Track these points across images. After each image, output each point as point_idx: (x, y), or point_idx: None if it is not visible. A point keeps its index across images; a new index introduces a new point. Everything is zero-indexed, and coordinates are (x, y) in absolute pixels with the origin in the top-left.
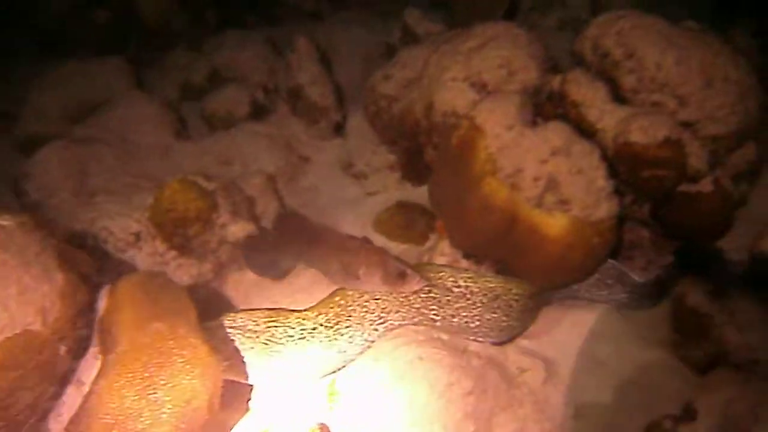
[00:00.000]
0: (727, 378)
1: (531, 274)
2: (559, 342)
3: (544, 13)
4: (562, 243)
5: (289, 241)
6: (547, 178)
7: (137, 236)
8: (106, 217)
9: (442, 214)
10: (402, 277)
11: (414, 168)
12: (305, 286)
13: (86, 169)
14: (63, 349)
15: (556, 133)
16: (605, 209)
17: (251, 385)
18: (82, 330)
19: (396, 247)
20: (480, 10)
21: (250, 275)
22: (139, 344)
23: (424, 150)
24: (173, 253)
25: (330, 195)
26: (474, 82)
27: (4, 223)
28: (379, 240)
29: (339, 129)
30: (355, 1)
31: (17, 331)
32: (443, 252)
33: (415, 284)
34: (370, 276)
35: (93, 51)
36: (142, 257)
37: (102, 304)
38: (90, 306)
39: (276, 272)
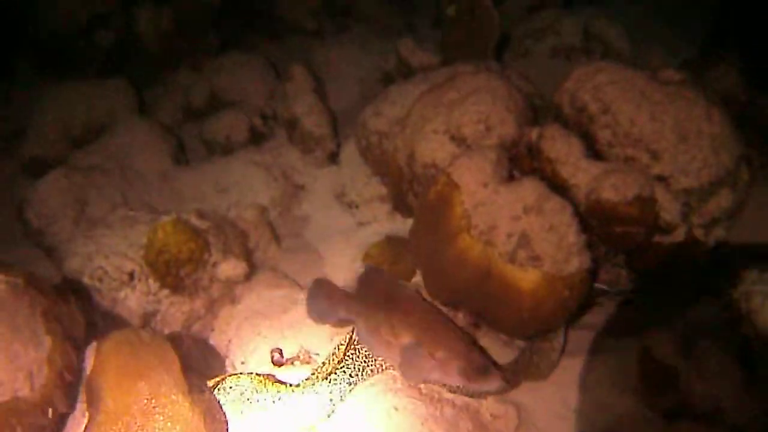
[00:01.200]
0: (692, 428)
1: (504, 324)
2: (532, 388)
3: (537, 40)
4: (534, 297)
5: (362, 295)
6: (520, 234)
7: (131, 275)
8: (101, 255)
9: (419, 262)
10: (483, 373)
11: (403, 201)
12: (294, 323)
13: (86, 198)
14: (50, 411)
15: (529, 190)
16: (576, 264)
17: None
18: (69, 391)
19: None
20: (472, 42)
21: (241, 310)
22: (122, 404)
23: (406, 196)
24: (166, 291)
25: (322, 224)
26: (454, 136)
27: None
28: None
29: (334, 157)
30: (356, 19)
31: (6, 398)
32: None
33: (493, 384)
34: (447, 363)
35: (95, 71)
36: (135, 296)
37: (89, 362)
38: (77, 366)
39: (332, 320)
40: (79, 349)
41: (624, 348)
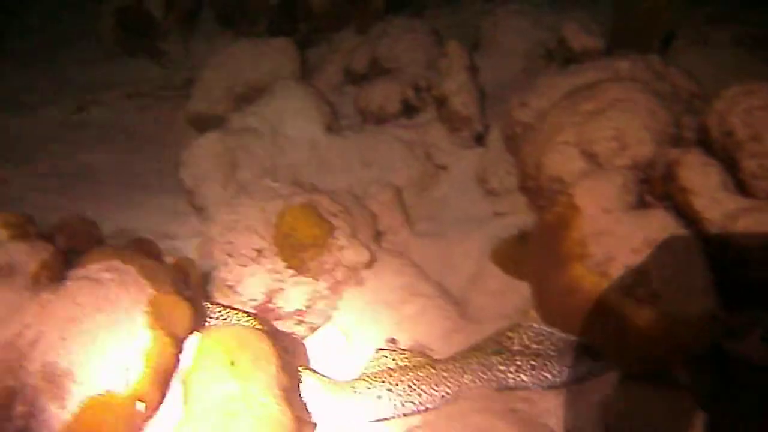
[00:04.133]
0: None
1: (613, 355)
2: None
3: (717, 27)
4: (646, 336)
5: None
6: (639, 268)
7: (259, 252)
8: (235, 229)
9: (531, 282)
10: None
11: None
12: (413, 315)
13: (236, 161)
14: (143, 406)
15: (654, 222)
16: (699, 306)
17: None
18: (163, 386)
19: (510, 282)
20: (639, 29)
21: (365, 293)
22: (211, 404)
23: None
24: (291, 271)
25: (458, 209)
26: (585, 150)
27: (105, 275)
28: (493, 271)
29: (480, 138)
30: None
31: (100, 392)
32: None
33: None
34: None
35: (263, 29)
36: (261, 273)
37: (188, 354)
38: (175, 361)
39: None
40: (180, 342)
41: None
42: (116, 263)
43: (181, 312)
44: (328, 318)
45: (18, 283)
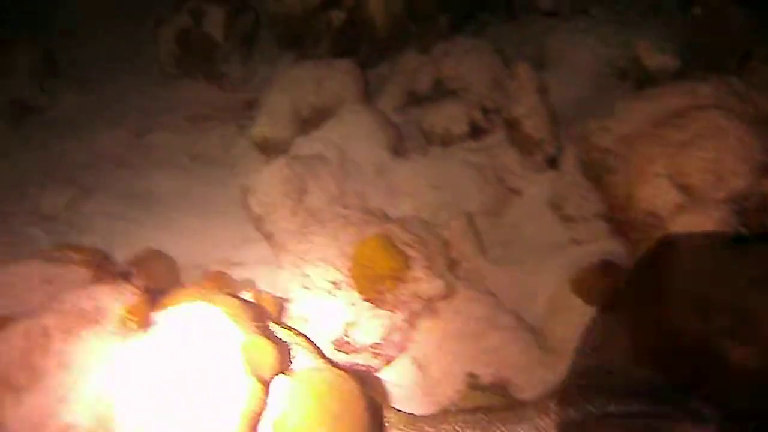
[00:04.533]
0: None
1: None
2: None
3: None
4: (749, 375)
5: None
6: (742, 309)
7: (335, 284)
8: (311, 262)
9: (623, 318)
10: None
11: (622, 231)
12: (492, 349)
13: (304, 187)
14: None
15: (756, 260)
16: None
17: None
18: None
19: (592, 313)
20: (716, 48)
21: (440, 324)
22: None
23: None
24: (367, 304)
25: (533, 236)
26: (678, 183)
27: (194, 319)
28: (575, 302)
29: (553, 162)
30: (597, 3)
31: None
32: None
33: None
34: None
35: (325, 50)
36: (338, 305)
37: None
38: (264, 407)
39: None
40: (268, 386)
41: None
42: (203, 305)
43: (269, 355)
44: (403, 350)
45: (106, 329)
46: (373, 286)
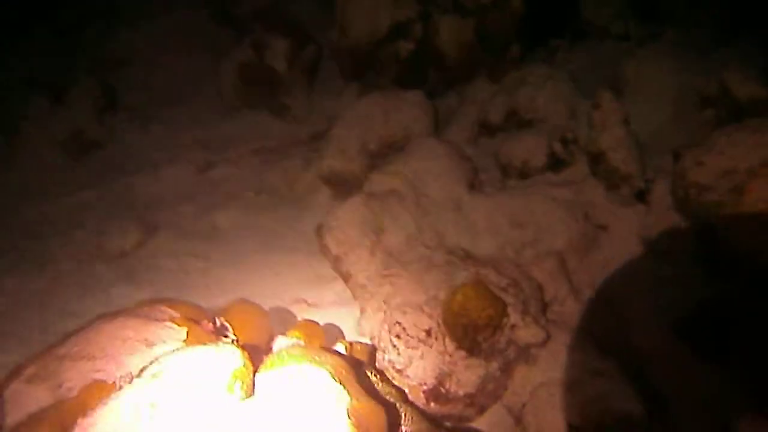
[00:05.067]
0: None
1: None
2: None
3: None
4: None
5: None
6: None
7: (428, 333)
8: (399, 311)
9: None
10: None
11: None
12: (595, 398)
13: (381, 226)
14: None
15: None
16: None
17: None
18: None
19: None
20: None
21: (537, 372)
22: None
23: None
24: (462, 353)
25: (627, 276)
26: None
27: (299, 383)
28: (680, 349)
29: (642, 196)
30: (666, 22)
31: None
32: None
33: None
34: None
35: (391, 80)
36: (432, 355)
37: None
38: None
39: None
40: None
41: None
42: (308, 367)
43: (378, 419)
44: (498, 398)
45: (214, 398)
46: (468, 336)
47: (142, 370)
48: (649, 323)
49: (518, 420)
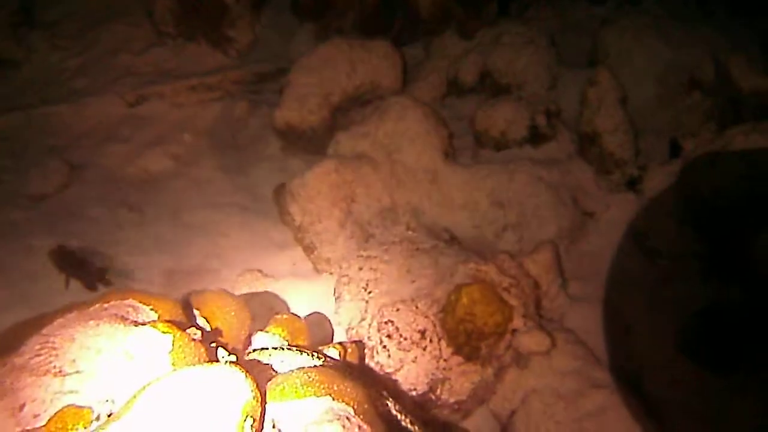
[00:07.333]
0: None
1: None
2: None
3: None
4: None
5: None
6: None
7: (422, 334)
8: (391, 308)
9: None
10: None
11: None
12: (593, 412)
13: (353, 195)
14: None
15: None
16: None
17: None
18: None
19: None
20: None
21: (529, 378)
22: None
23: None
24: (458, 358)
25: (616, 267)
26: None
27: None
28: (678, 359)
29: (633, 184)
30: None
31: None
32: None
33: None
34: None
35: (351, 24)
36: (425, 359)
37: None
38: None
39: None
40: None
41: None
42: (329, 403)
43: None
44: (483, 402)
45: None
46: (471, 343)
47: (129, 402)
48: (644, 326)
49: (505, 428)
